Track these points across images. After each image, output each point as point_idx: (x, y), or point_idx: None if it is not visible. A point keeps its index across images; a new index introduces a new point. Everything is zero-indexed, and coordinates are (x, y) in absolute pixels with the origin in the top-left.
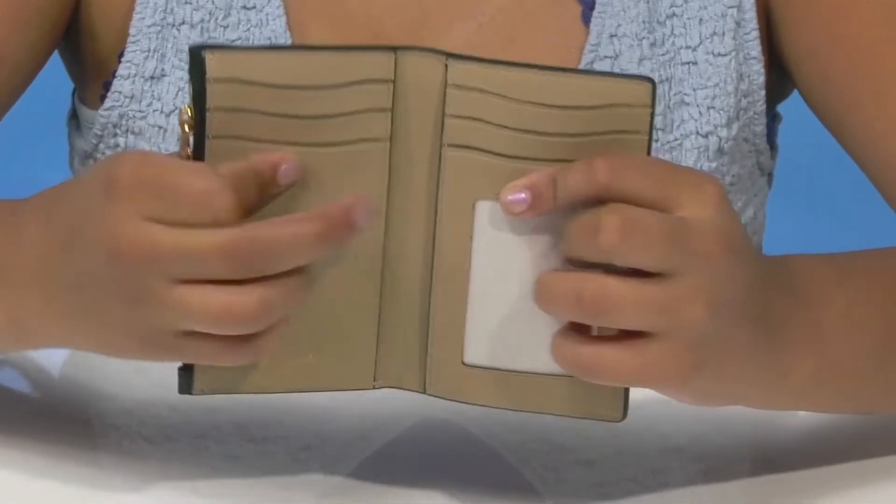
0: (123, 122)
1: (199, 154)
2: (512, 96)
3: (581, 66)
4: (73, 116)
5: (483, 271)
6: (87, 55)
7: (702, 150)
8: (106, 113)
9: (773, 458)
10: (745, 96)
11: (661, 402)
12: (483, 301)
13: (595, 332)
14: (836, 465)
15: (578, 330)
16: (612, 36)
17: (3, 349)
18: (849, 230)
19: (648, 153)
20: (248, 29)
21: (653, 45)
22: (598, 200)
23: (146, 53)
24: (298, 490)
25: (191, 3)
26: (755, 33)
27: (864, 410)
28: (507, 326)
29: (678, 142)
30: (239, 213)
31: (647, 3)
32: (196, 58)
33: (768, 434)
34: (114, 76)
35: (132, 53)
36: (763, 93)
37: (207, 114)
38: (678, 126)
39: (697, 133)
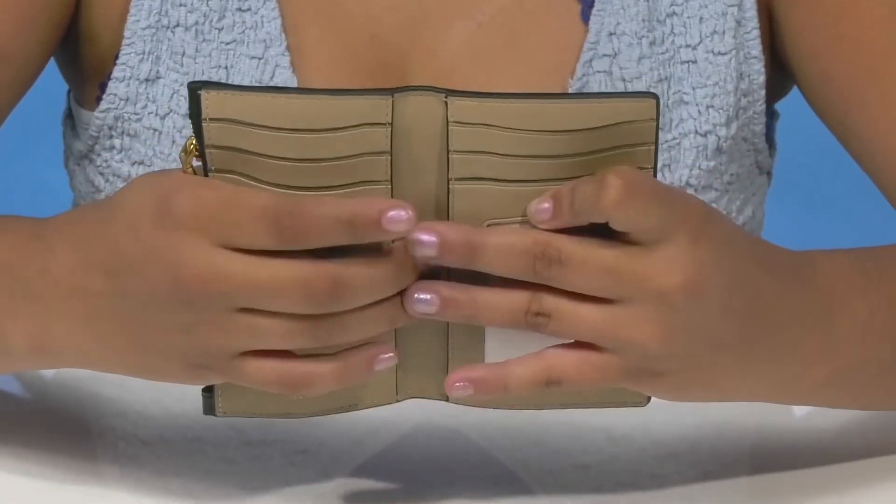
0: (119, 125)
1: None
2: (515, 127)
3: (580, 64)
4: (69, 117)
5: None
6: (83, 56)
7: (700, 148)
8: (101, 115)
9: (770, 463)
10: (744, 95)
11: (658, 408)
12: None
13: None
14: (835, 470)
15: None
16: (611, 34)
17: (18, 369)
18: (848, 228)
19: (655, 161)
20: (243, 31)
21: (652, 43)
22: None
23: (141, 56)
24: (294, 494)
25: (185, 6)
26: (756, 32)
27: (876, 409)
28: (524, 333)
29: (677, 140)
30: (298, 236)
31: (647, 1)
32: (193, 95)
33: (766, 439)
34: (109, 78)
35: (127, 56)
36: (763, 92)
37: (206, 150)
38: (677, 125)
39: (696, 132)
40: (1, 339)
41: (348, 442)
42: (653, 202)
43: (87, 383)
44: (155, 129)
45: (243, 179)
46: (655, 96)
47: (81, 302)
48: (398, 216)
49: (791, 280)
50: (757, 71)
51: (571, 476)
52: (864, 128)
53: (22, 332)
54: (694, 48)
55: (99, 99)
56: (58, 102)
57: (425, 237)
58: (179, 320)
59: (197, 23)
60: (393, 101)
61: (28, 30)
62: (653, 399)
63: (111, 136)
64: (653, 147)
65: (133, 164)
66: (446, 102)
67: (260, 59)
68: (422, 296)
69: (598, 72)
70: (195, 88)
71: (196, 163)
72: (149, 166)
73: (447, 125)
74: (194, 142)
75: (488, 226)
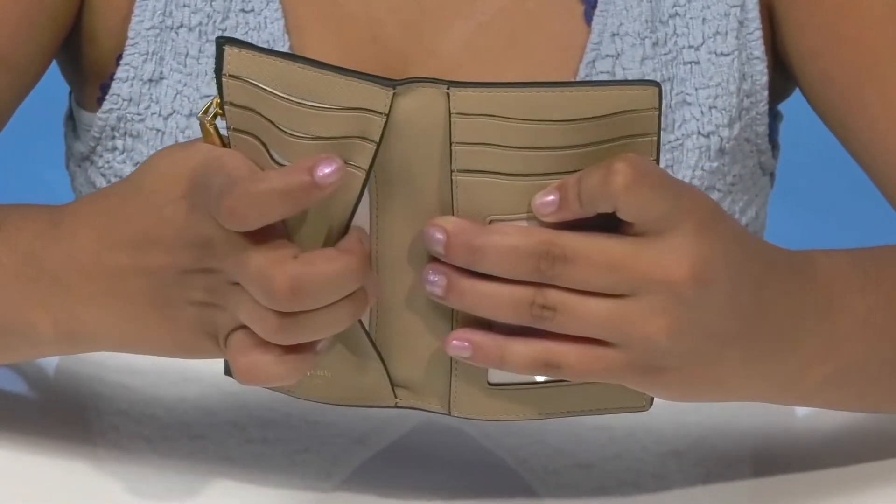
0: (121, 125)
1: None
2: (517, 117)
3: (583, 65)
4: (70, 118)
5: None
6: (85, 58)
7: (703, 149)
8: (104, 115)
9: (773, 463)
10: (747, 96)
11: (660, 407)
12: None
13: None
14: (837, 470)
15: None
16: (613, 35)
17: (48, 354)
18: (848, 230)
19: (658, 152)
20: (247, 32)
21: (655, 44)
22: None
23: (144, 56)
24: (296, 493)
25: (189, 6)
26: (758, 33)
27: (877, 411)
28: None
29: (679, 142)
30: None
31: (650, 2)
32: (219, 49)
33: (768, 439)
34: (111, 79)
35: (130, 56)
36: (766, 93)
37: (226, 106)
38: (680, 126)
39: (699, 133)
40: (29, 328)
41: (349, 441)
42: (661, 189)
43: (89, 381)
44: (158, 130)
45: (258, 144)
46: (658, 84)
47: (108, 283)
48: (328, 165)
49: (792, 279)
50: (759, 72)
51: (573, 475)
52: (864, 128)
53: (50, 321)
54: (697, 49)
55: (100, 100)
56: (58, 103)
57: (435, 234)
58: (202, 292)
59: (200, 23)
60: (394, 94)
61: (29, 33)
62: (655, 399)
63: (113, 137)
64: (655, 138)
65: (136, 164)
66: (448, 94)
67: None
68: (432, 277)
69: (601, 72)
70: (221, 43)
71: (220, 122)
72: None
73: (449, 117)
74: (218, 101)
75: (491, 222)
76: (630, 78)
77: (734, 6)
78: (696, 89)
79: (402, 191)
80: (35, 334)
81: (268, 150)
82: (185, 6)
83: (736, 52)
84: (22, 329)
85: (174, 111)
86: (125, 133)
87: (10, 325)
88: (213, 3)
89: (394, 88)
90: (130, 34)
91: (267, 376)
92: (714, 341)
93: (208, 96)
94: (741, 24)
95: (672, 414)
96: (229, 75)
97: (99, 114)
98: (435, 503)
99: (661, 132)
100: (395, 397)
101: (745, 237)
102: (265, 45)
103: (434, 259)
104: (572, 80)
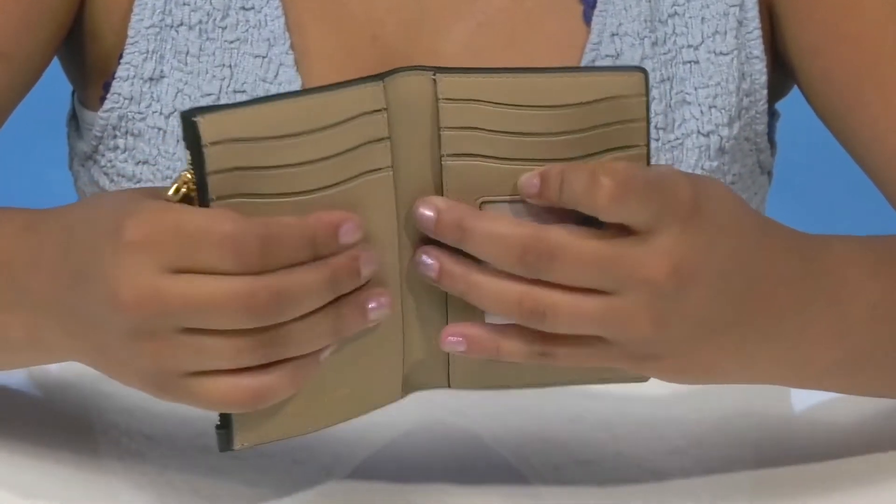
0: (123, 124)
1: None
2: (505, 102)
3: (582, 65)
4: (73, 118)
5: None
6: (87, 56)
7: (703, 149)
8: (105, 114)
9: (773, 459)
10: (746, 95)
11: (660, 405)
12: None
13: None
14: (837, 467)
15: None
16: (613, 35)
17: (29, 363)
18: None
19: (648, 137)
20: (247, 30)
21: (654, 44)
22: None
23: (145, 55)
24: (298, 490)
25: (189, 4)
26: (757, 32)
27: (885, 396)
28: None
29: (679, 141)
30: (266, 261)
31: (649, 1)
32: (188, 123)
33: (769, 436)
34: (113, 77)
35: (131, 55)
36: (765, 92)
37: (207, 178)
38: (679, 125)
39: (699, 132)
40: (4, 331)
41: (351, 437)
42: (644, 199)
43: (91, 380)
44: (160, 129)
45: (245, 201)
46: (643, 70)
47: (61, 298)
48: (350, 228)
49: (799, 263)
50: (759, 71)
51: (574, 472)
52: (863, 128)
53: (19, 325)
54: (696, 48)
55: (103, 99)
56: (61, 103)
57: (425, 212)
58: (126, 342)
59: (201, 21)
60: (384, 86)
61: (29, 29)
62: (657, 395)
63: (115, 136)
64: (644, 123)
65: (137, 163)
66: (434, 80)
67: (264, 57)
68: (426, 259)
69: None
70: (189, 116)
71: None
72: (153, 165)
73: (437, 102)
74: (190, 175)
75: (481, 203)
76: None
77: (733, 5)
78: (696, 88)
79: (400, 178)
80: (7, 338)
81: (263, 198)
82: (184, 4)
83: (735, 52)
84: None
85: (175, 110)
86: (126, 132)
87: None
88: (212, 1)
89: (382, 81)
90: (130, 32)
91: (272, 388)
92: (704, 329)
93: (209, 94)
94: (740, 23)
95: (673, 412)
96: (210, 144)
97: (100, 112)
98: (437, 500)
99: (661, 132)
100: (403, 390)
101: (742, 222)
102: (265, 43)
103: (428, 240)
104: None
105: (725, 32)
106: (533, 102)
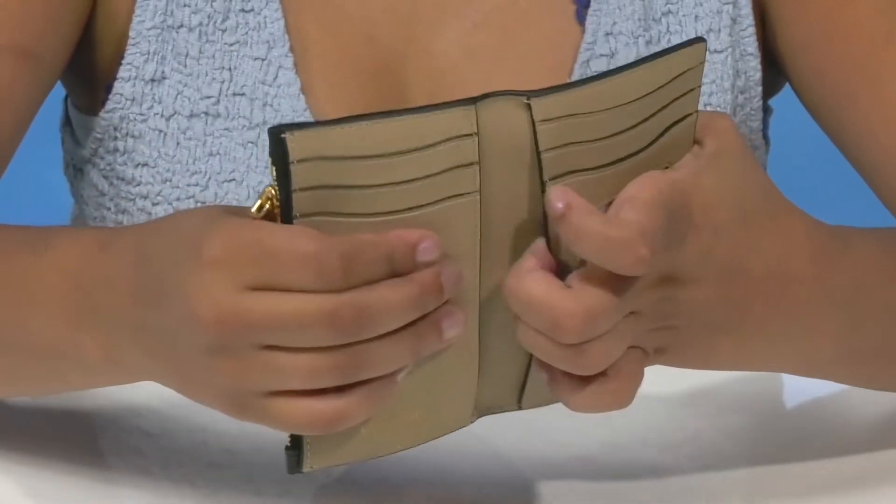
0: (123, 126)
1: None
2: (596, 109)
3: (577, 64)
4: (67, 124)
5: None
6: (91, 60)
7: None
8: (107, 116)
9: (769, 456)
10: (741, 93)
11: (658, 401)
12: None
13: None
14: (833, 464)
15: None
16: (607, 34)
17: (104, 384)
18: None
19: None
20: (247, 32)
21: (648, 42)
22: None
23: (146, 56)
24: (297, 485)
25: (189, 6)
26: (751, 29)
27: (885, 389)
28: None
29: None
30: (348, 278)
31: (643, 0)
32: (276, 139)
33: (765, 432)
34: (115, 79)
35: (132, 56)
36: (759, 89)
37: (293, 195)
38: None
39: None
40: (78, 354)
41: None
42: (660, 246)
43: None
44: (160, 131)
45: (327, 219)
46: (703, 39)
47: (138, 316)
48: (429, 246)
49: (813, 261)
50: (753, 68)
51: (571, 466)
52: (854, 124)
53: (97, 345)
54: None
55: (104, 102)
56: (59, 103)
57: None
58: (205, 359)
59: (201, 24)
60: (476, 110)
61: (54, 27)
62: (653, 392)
63: (115, 139)
64: (698, 89)
65: (137, 166)
66: (529, 104)
67: (263, 60)
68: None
69: (596, 72)
70: (278, 133)
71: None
72: (153, 168)
73: (534, 126)
74: (274, 191)
75: None
76: None
77: (727, 3)
78: None
79: (490, 205)
80: (85, 360)
81: (344, 217)
82: (185, 6)
83: (729, 49)
84: (72, 353)
85: (175, 112)
86: (127, 133)
87: (60, 348)
88: (213, 4)
89: (475, 105)
90: (132, 34)
91: (350, 411)
92: (708, 329)
93: (209, 97)
94: (734, 20)
95: (669, 408)
96: (297, 161)
97: (102, 114)
98: (435, 495)
99: None
100: (473, 414)
101: (747, 218)
102: (265, 45)
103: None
104: (563, 79)
105: (719, 30)
106: (618, 102)
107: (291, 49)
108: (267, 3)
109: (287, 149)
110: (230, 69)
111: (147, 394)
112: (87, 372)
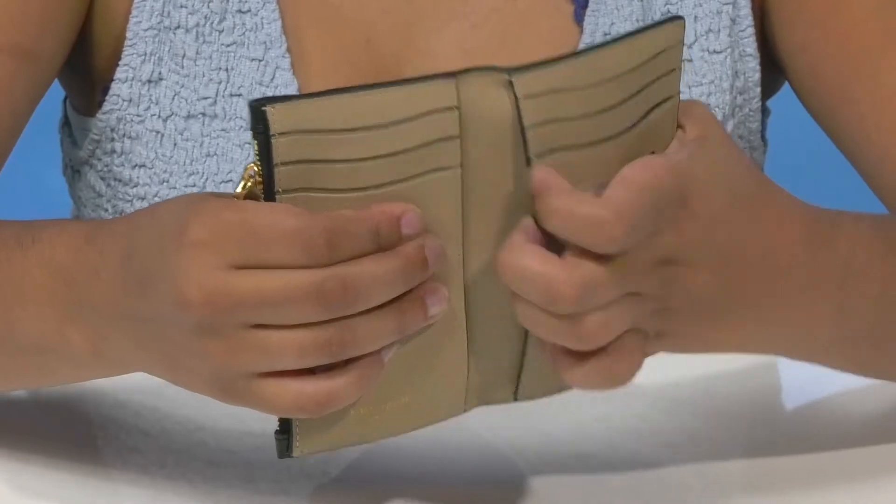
0: (121, 127)
1: None
2: (580, 85)
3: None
4: (66, 125)
5: None
6: (88, 61)
7: None
8: (104, 117)
9: (768, 454)
10: (740, 93)
11: (656, 399)
12: None
13: None
14: (832, 461)
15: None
16: (605, 34)
17: (92, 377)
18: None
19: (678, 86)
20: (244, 33)
21: None
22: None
23: (143, 57)
24: (295, 484)
25: (186, 7)
26: (750, 30)
27: (878, 377)
28: None
29: None
30: (333, 253)
31: (641, 1)
32: (257, 112)
33: (763, 430)
34: (112, 81)
35: (129, 57)
36: (758, 90)
37: (275, 169)
38: None
39: None
40: (65, 347)
41: None
42: (638, 228)
43: None
44: (157, 132)
45: (310, 195)
46: (682, 17)
47: (124, 307)
48: (412, 218)
49: (806, 244)
50: (752, 68)
51: (569, 464)
52: (852, 124)
53: (83, 338)
54: (689, 47)
55: (101, 103)
56: (59, 103)
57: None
58: (194, 342)
59: (198, 24)
60: (457, 84)
61: (51, 27)
62: (652, 389)
63: (113, 140)
64: (679, 72)
65: (134, 167)
66: (511, 81)
67: (260, 60)
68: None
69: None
70: (258, 105)
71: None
72: (150, 169)
73: (517, 102)
74: (257, 167)
75: None
76: None
77: (726, 3)
78: (689, 87)
79: (473, 179)
80: (72, 353)
81: (327, 192)
82: (182, 7)
83: (728, 50)
84: (59, 347)
85: (173, 113)
86: (124, 135)
87: (47, 342)
88: (210, 5)
89: (455, 78)
90: (129, 35)
91: (339, 393)
92: (705, 313)
93: (205, 98)
94: (733, 21)
95: (668, 405)
96: (278, 134)
97: (99, 115)
98: (433, 492)
99: None
100: (466, 402)
101: (738, 204)
102: (262, 46)
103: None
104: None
105: (719, 31)
106: (600, 78)
107: (289, 50)
108: (264, 4)
109: (268, 121)
110: (227, 70)
111: (145, 393)
112: (75, 365)
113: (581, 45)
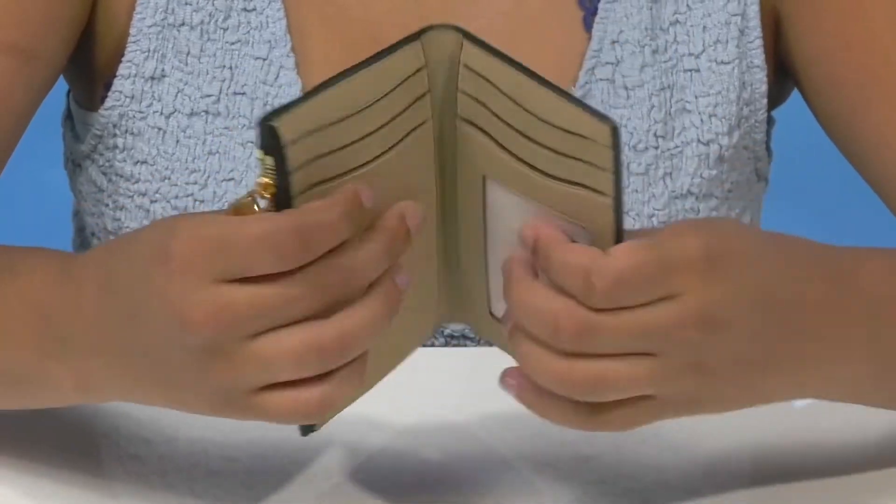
0: (123, 123)
1: None
2: (510, 95)
3: (583, 72)
4: (69, 118)
5: (494, 236)
6: (91, 57)
7: (703, 157)
8: (106, 113)
9: (772, 457)
10: (746, 104)
11: None
12: (497, 262)
13: None
14: (837, 465)
15: None
16: (613, 42)
17: (73, 402)
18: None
19: (618, 191)
20: (248, 31)
21: (655, 51)
22: None
23: (146, 54)
24: (297, 491)
25: (191, 4)
26: (759, 42)
27: None
28: None
29: (679, 149)
30: (308, 249)
31: (650, 9)
32: (268, 129)
33: (768, 433)
34: (115, 76)
35: (132, 53)
36: (765, 101)
37: (290, 177)
38: (679, 133)
39: (699, 141)
40: (47, 380)
41: (350, 438)
42: (644, 285)
43: None
44: (159, 129)
45: (323, 187)
46: (614, 124)
47: (110, 339)
48: (368, 194)
49: (830, 285)
50: (759, 80)
51: (572, 467)
52: (868, 134)
53: (66, 373)
54: (697, 57)
55: (104, 99)
56: (58, 102)
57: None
58: (196, 361)
59: (202, 22)
60: (422, 43)
61: (52, 26)
62: None
63: (115, 135)
64: (609, 175)
65: (136, 163)
66: (462, 44)
67: (264, 59)
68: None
69: (601, 80)
70: (267, 122)
71: (262, 202)
72: (152, 165)
73: (458, 65)
74: (268, 181)
75: (484, 179)
76: (629, 85)
77: (735, 15)
78: (696, 97)
79: (434, 125)
80: (55, 386)
81: (333, 181)
82: (186, 4)
83: (736, 61)
84: (42, 381)
85: (175, 110)
86: (126, 131)
87: (30, 376)
88: (214, 2)
89: (420, 39)
90: (132, 31)
91: (335, 392)
92: (744, 367)
93: (209, 95)
94: (742, 32)
95: None
96: (290, 143)
97: (101, 111)
98: (436, 497)
99: (661, 140)
100: (438, 307)
101: (762, 259)
102: (266, 45)
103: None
104: (569, 86)
105: (727, 41)
106: (530, 108)
107: (293, 49)
108: (269, 3)
109: (280, 135)
110: (231, 68)
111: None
112: (60, 397)
113: (589, 52)
